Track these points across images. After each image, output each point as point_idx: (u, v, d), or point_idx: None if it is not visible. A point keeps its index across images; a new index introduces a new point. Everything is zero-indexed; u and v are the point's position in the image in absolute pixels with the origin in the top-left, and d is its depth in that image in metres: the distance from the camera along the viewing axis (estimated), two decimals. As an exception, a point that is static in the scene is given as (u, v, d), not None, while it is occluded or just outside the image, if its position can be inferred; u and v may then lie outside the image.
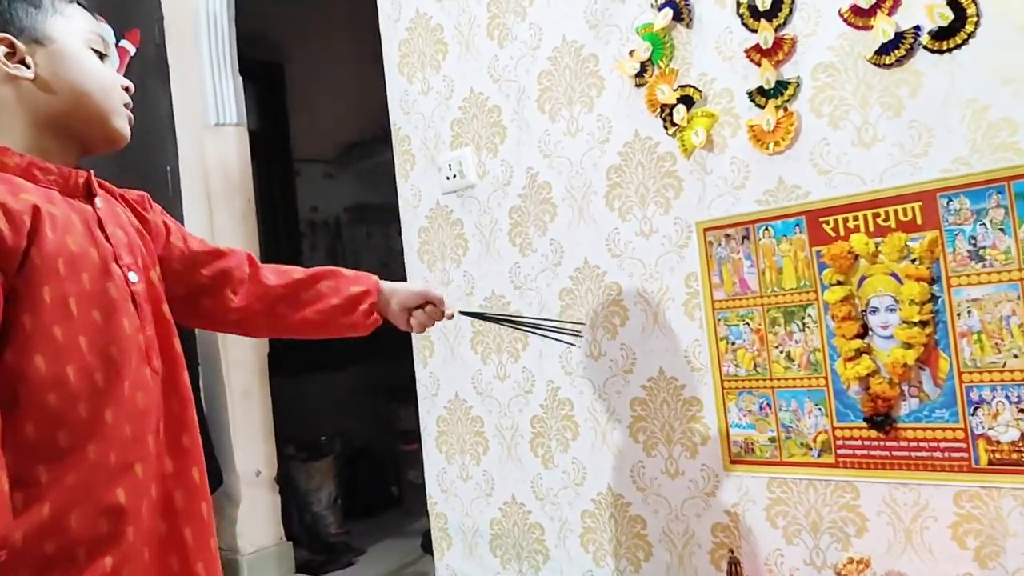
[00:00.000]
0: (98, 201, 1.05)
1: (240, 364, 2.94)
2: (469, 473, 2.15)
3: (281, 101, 4.17)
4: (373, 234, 4.43)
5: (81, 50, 1.04)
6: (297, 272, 1.32)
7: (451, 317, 1.40)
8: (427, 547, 3.14)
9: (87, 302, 0.95)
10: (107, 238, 1.02)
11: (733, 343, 1.66)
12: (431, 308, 1.36)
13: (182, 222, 2.88)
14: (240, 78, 2.96)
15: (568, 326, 1.64)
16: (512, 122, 2.00)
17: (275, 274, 1.31)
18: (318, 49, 4.26)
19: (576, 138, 1.88)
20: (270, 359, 3.07)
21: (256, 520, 2.96)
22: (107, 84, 1.05)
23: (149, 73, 2.90)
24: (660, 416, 1.78)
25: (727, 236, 1.66)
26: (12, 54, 0.99)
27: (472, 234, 2.11)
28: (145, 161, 2.86)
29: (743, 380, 1.65)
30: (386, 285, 1.36)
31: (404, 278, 4.12)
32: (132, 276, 1.03)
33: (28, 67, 1.00)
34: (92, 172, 1.07)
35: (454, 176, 2.12)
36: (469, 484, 2.15)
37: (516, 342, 2.02)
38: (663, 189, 1.75)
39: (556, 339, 1.73)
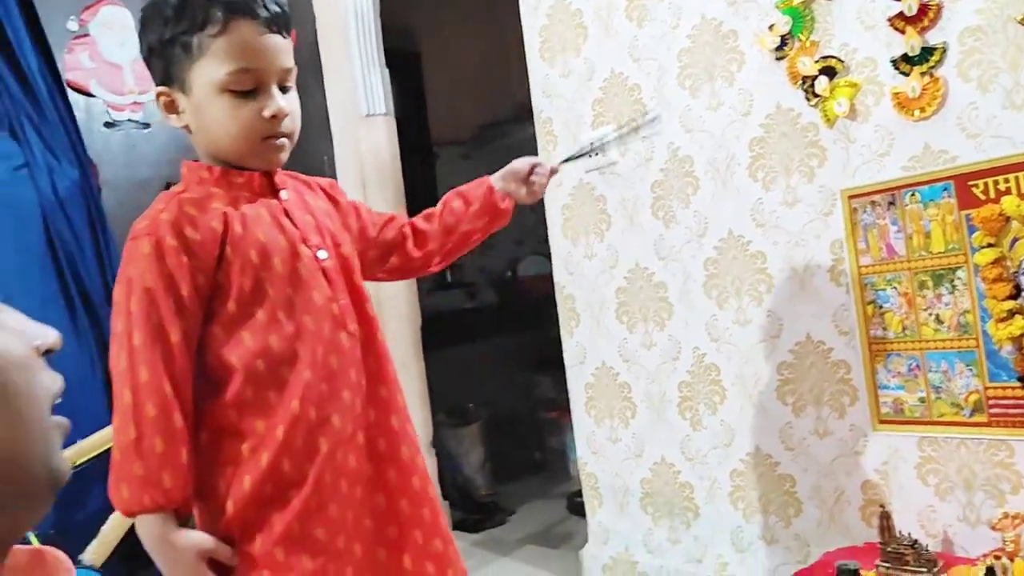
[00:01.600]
0: (283, 194, 1.20)
1: (396, 338, 3.15)
2: (618, 436, 2.27)
3: (419, 88, 4.36)
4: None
5: (214, 99, 1.09)
6: (431, 211, 1.46)
7: (556, 171, 1.51)
8: (573, 508, 3.29)
9: (280, 282, 1.12)
10: (294, 224, 1.18)
11: (880, 307, 1.71)
12: (539, 169, 1.46)
13: (340, 207, 3.11)
14: (387, 70, 3.15)
15: (640, 120, 1.71)
16: (653, 99, 2.08)
17: (423, 220, 1.46)
18: (451, 34, 4.43)
19: (717, 112, 1.95)
20: (422, 332, 3.27)
21: (415, 482, 3.17)
22: (242, 129, 1.11)
23: (305, 70, 3.12)
24: (808, 379, 1.84)
25: (872, 203, 1.70)
26: (171, 103, 1.14)
27: (615, 209, 2.21)
28: (304, 153, 3.07)
29: (891, 343, 1.70)
30: (496, 175, 1.47)
31: (541, 254, 4.25)
32: (321, 254, 1.18)
33: (181, 115, 1.14)
34: (275, 171, 1.21)
35: (596, 154, 2.22)
36: (618, 446, 2.27)
37: (661, 311, 2.12)
38: (807, 159, 1.80)
39: (643, 136, 1.84)
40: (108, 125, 2.82)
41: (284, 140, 1.16)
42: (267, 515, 1.09)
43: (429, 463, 3.25)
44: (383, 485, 1.19)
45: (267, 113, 1.11)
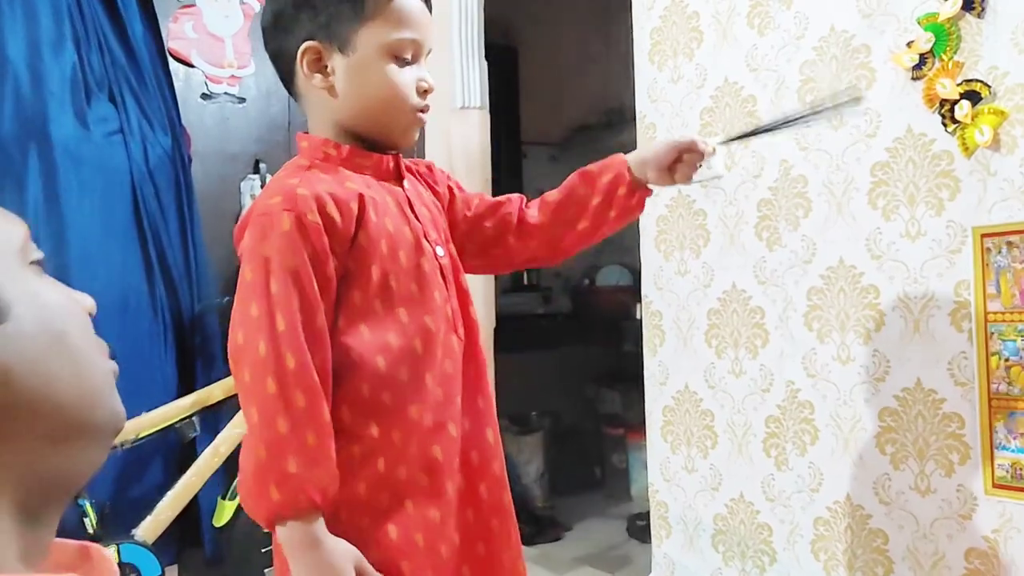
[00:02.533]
0: (406, 183, 1.14)
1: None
2: (695, 465, 2.14)
3: (514, 84, 4.29)
4: (593, 218, 4.47)
5: (379, 63, 1.06)
6: (552, 195, 1.30)
7: (713, 152, 1.29)
8: (633, 532, 3.16)
9: (405, 277, 1.05)
10: (416, 217, 1.10)
11: (1007, 359, 1.54)
12: (688, 156, 1.26)
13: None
14: (485, 63, 3.07)
15: (840, 98, 1.36)
16: (767, 113, 1.95)
17: (539, 209, 1.30)
18: (550, 33, 4.34)
19: (839, 131, 1.80)
20: (496, 336, 3.19)
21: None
22: (399, 97, 1.07)
23: (403, 57, 3.08)
24: (914, 429, 1.69)
25: (1009, 243, 1.54)
26: (318, 61, 1.07)
27: (715, 225, 2.08)
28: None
29: (1016, 400, 1.53)
30: (634, 157, 1.28)
31: (622, 264, 4.12)
32: (439, 250, 1.12)
33: (327, 76, 1.07)
34: (400, 155, 1.15)
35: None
36: (694, 476, 2.14)
37: (755, 338, 1.98)
38: (936, 189, 1.65)
39: (837, 114, 1.49)
40: (205, 97, 2.82)
41: (425, 117, 1.12)
42: (382, 523, 1.01)
43: (489, 469, 3.16)
44: (474, 500, 1.11)
45: (424, 85, 1.10)
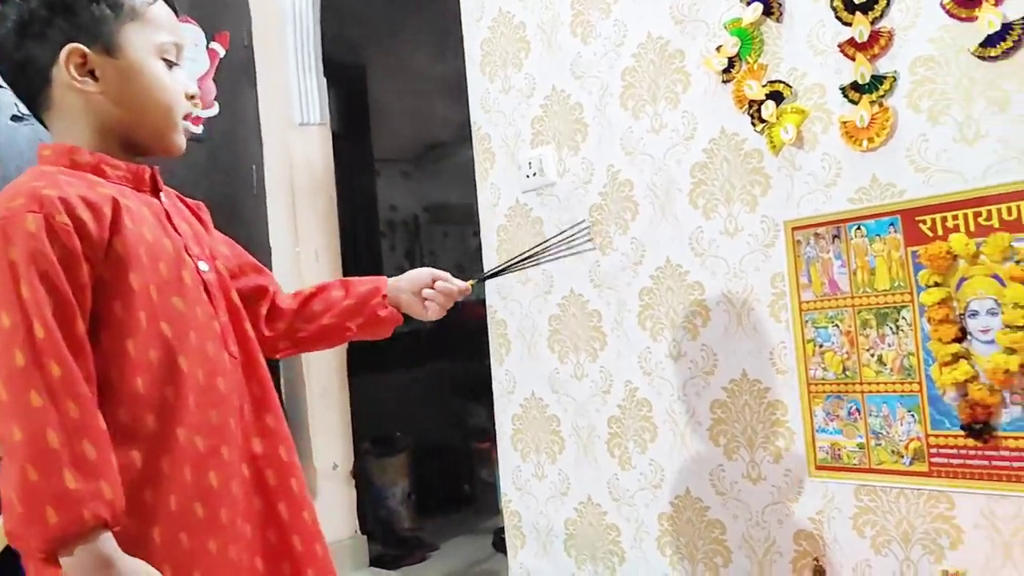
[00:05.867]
0: (163, 196, 1.08)
1: (320, 361, 2.99)
2: (544, 472, 2.14)
3: (363, 102, 4.24)
4: (450, 234, 4.47)
5: (149, 64, 1.03)
6: (307, 289, 1.30)
7: (467, 290, 1.33)
8: (499, 545, 3.14)
9: (166, 289, 0.98)
10: (176, 229, 1.05)
11: (821, 345, 1.62)
12: (441, 284, 1.29)
13: (267, 219, 2.96)
14: (324, 79, 3.02)
15: (571, 232, 1.51)
16: (594, 119, 1.98)
17: (289, 296, 1.29)
18: (398, 50, 4.32)
19: (660, 135, 1.85)
20: (349, 356, 3.12)
21: (332, 513, 3.01)
22: (171, 100, 1.05)
23: (237, 74, 2.97)
24: (742, 419, 1.74)
25: (816, 235, 1.61)
26: (83, 65, 1.00)
27: (551, 232, 2.09)
28: (232, 159, 2.93)
29: (831, 384, 1.60)
30: (394, 280, 1.31)
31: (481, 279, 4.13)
32: (202, 265, 1.05)
33: (96, 79, 1.01)
34: (157, 168, 1.09)
35: (534, 174, 2.11)
36: (544, 483, 2.14)
37: (594, 341, 2.01)
38: (749, 186, 1.71)
39: (574, 252, 1.61)
40: (15, 119, 2.63)
41: (187, 125, 1.09)
42: (159, 563, 0.91)
43: (347, 495, 3.08)
44: (274, 521, 1.06)
45: (189, 91, 1.08)
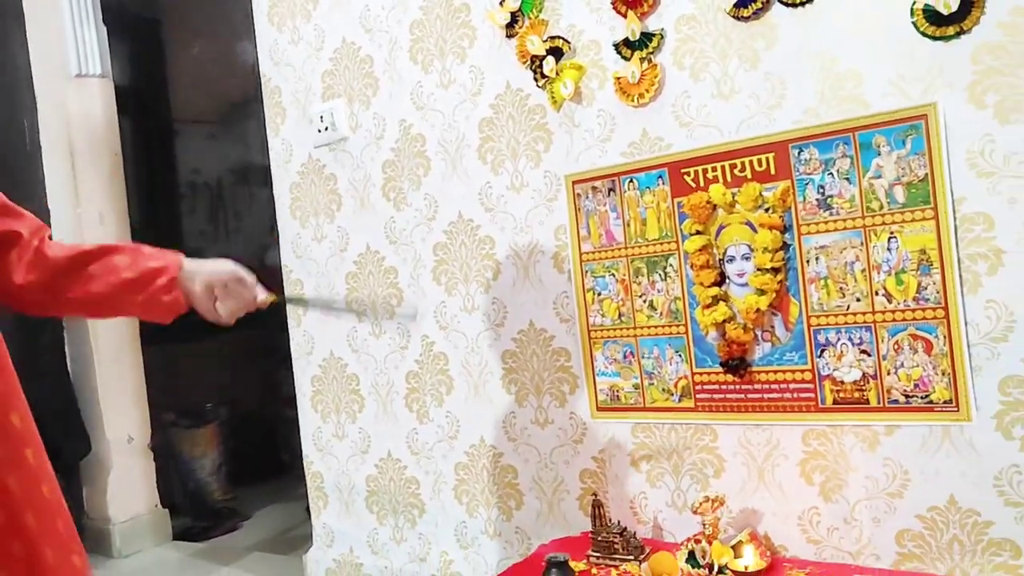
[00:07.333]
0: None
1: (109, 329, 2.82)
2: (345, 431, 2.13)
3: (157, 57, 3.97)
4: (256, 196, 4.30)
5: None
6: (88, 245, 1.11)
7: (264, 305, 1.18)
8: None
9: None
10: None
11: (599, 294, 1.69)
12: (238, 289, 1.14)
13: (43, 177, 2.73)
14: (104, 27, 2.80)
15: (400, 310, 1.47)
16: (384, 73, 1.96)
17: (63, 248, 1.09)
18: (196, 7, 4.07)
19: (449, 90, 1.86)
20: (141, 323, 2.95)
21: (129, 488, 2.87)
22: None
23: (5, 20, 2.71)
24: (530, 367, 1.80)
25: (594, 188, 1.68)
26: None
27: (346, 189, 2.07)
28: (2, 112, 2.69)
29: (609, 330, 1.68)
30: (192, 262, 1.13)
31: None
32: None
33: None
34: None
35: (326, 129, 2.07)
36: (345, 442, 2.13)
37: (392, 298, 2.00)
38: (533, 142, 1.75)
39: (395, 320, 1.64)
40: None
41: None
42: None
43: (146, 468, 2.94)
44: (22, 532, 0.95)
45: None
